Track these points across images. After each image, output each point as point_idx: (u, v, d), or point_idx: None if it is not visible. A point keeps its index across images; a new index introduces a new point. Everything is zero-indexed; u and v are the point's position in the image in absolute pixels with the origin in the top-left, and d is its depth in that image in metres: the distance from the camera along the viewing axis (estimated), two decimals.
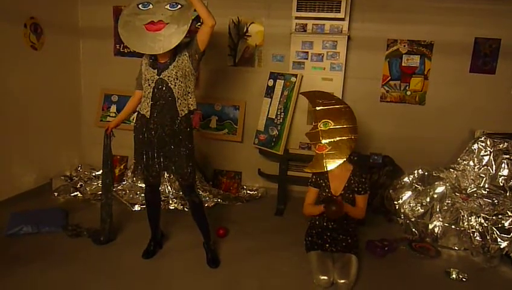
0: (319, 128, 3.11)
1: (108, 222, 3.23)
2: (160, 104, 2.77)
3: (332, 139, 3.05)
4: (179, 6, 2.77)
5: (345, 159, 2.99)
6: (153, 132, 2.83)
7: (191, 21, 2.75)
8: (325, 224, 3.10)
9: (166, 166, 2.90)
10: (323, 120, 3.11)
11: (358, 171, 3.08)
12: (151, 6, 2.78)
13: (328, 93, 3.41)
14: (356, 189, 3.03)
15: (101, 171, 4.50)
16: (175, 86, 2.74)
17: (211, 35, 2.77)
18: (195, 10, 2.72)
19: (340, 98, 4.06)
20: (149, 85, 2.78)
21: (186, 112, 2.82)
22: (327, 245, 3.01)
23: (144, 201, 3.99)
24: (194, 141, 2.96)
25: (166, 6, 2.76)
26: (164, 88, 2.75)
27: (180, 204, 4.01)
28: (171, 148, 2.85)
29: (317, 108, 3.18)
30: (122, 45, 4.73)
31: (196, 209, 3.03)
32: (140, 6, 2.81)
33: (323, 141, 3.06)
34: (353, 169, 3.08)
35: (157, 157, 2.88)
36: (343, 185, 3.04)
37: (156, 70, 2.76)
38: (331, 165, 2.99)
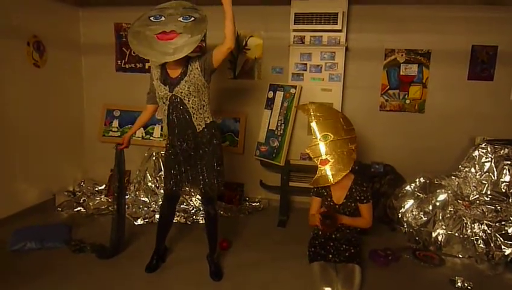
0: (320, 142, 3.11)
1: (117, 236, 3.24)
2: (178, 120, 2.80)
3: (334, 152, 3.06)
4: (193, 18, 2.76)
5: (348, 171, 3.00)
6: (178, 149, 2.86)
7: (204, 32, 2.76)
8: (328, 234, 3.10)
9: (194, 179, 2.92)
10: (323, 133, 3.12)
11: (359, 180, 3.08)
12: (163, 18, 2.77)
13: (323, 104, 3.42)
14: (358, 198, 3.02)
15: (103, 185, 4.59)
16: (189, 101, 2.76)
17: (226, 56, 2.79)
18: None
19: (340, 107, 4.09)
20: (164, 103, 2.81)
21: (204, 125, 2.83)
22: (330, 255, 3.00)
23: (146, 215, 4.01)
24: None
25: (179, 19, 2.74)
26: (179, 104, 2.77)
27: (182, 217, 4.02)
28: (196, 162, 2.87)
29: (315, 122, 3.18)
30: (123, 61, 4.80)
31: (210, 220, 3.06)
32: (152, 18, 2.79)
33: (325, 155, 3.07)
34: (354, 178, 3.09)
35: (185, 172, 2.91)
36: (345, 194, 3.04)
37: (167, 87, 2.77)
38: (336, 178, 3.00)
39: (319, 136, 3.12)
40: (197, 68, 2.76)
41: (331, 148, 3.07)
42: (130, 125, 4.76)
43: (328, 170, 3.03)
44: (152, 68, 2.89)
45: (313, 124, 3.17)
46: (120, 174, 3.15)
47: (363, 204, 3.02)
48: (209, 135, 2.85)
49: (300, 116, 4.06)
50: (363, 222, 3.05)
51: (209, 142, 2.85)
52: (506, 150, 3.63)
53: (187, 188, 3.14)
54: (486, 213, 3.44)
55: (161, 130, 4.67)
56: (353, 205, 3.03)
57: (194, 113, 2.79)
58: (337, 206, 3.04)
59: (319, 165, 3.08)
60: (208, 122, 2.86)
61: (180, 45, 2.63)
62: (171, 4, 2.87)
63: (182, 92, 2.74)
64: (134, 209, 4.13)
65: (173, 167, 2.92)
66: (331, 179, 3.00)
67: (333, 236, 3.09)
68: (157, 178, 4.26)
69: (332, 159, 3.04)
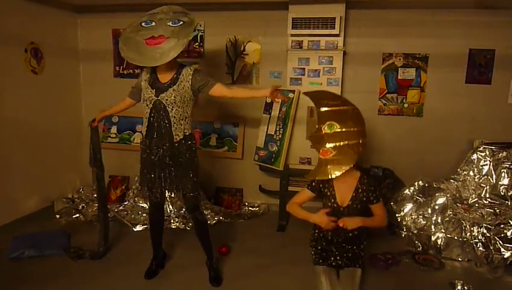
0: (323, 131, 2.78)
1: (104, 228, 3.32)
2: (158, 126, 2.79)
3: (337, 144, 2.72)
4: (181, 22, 2.79)
5: (351, 166, 2.67)
6: (154, 153, 2.85)
7: (191, 35, 2.79)
8: (329, 238, 2.93)
9: (169, 186, 2.91)
10: (328, 122, 2.80)
11: (365, 178, 2.81)
12: (153, 23, 2.81)
13: (334, 93, 3.15)
14: (365, 199, 2.77)
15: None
16: (172, 110, 2.75)
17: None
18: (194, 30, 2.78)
19: None
20: (147, 105, 2.81)
21: (181, 136, 2.82)
22: (332, 258, 2.89)
23: (145, 221, 4.00)
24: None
25: (168, 23, 2.78)
26: (161, 111, 2.76)
27: (181, 223, 4.01)
28: (171, 169, 2.86)
29: (322, 109, 2.88)
30: (121, 67, 4.81)
31: (199, 227, 3.04)
32: (143, 24, 2.84)
33: (328, 145, 2.72)
34: (360, 176, 2.81)
35: (158, 178, 2.89)
36: (351, 195, 2.78)
37: (154, 91, 2.77)
38: (336, 172, 2.65)
39: (323, 124, 2.81)
40: (188, 82, 2.77)
41: (335, 139, 2.73)
42: (129, 131, 4.78)
43: (328, 163, 2.69)
44: (142, 72, 2.93)
45: (319, 111, 2.88)
46: (95, 150, 3.28)
47: (373, 204, 2.79)
48: (186, 146, 2.84)
49: (299, 120, 4.06)
50: (378, 220, 2.81)
51: (184, 153, 2.84)
52: (505, 153, 3.65)
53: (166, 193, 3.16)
54: (485, 216, 3.45)
55: None
56: (359, 207, 2.77)
57: (174, 123, 2.78)
58: (341, 209, 2.79)
59: (320, 156, 2.76)
60: (187, 134, 2.85)
61: (167, 49, 2.65)
62: (162, 9, 2.91)
63: (167, 100, 2.74)
64: (133, 216, 4.12)
65: (148, 171, 2.91)
66: (332, 173, 2.67)
67: (335, 240, 2.90)
68: None
69: (335, 151, 2.70)
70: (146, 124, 2.84)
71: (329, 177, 2.68)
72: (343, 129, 2.75)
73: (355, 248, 2.87)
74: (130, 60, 2.80)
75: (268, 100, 4.20)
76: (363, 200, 2.77)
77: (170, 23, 2.78)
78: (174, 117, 2.77)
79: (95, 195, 3.42)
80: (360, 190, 2.77)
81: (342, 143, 2.71)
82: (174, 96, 2.73)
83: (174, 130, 2.79)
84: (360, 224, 2.70)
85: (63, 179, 4.70)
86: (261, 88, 2.95)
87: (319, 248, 2.98)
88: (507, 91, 4.06)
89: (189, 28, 2.78)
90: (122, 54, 2.80)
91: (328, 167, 2.68)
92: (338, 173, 2.65)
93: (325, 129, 2.78)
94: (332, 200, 2.80)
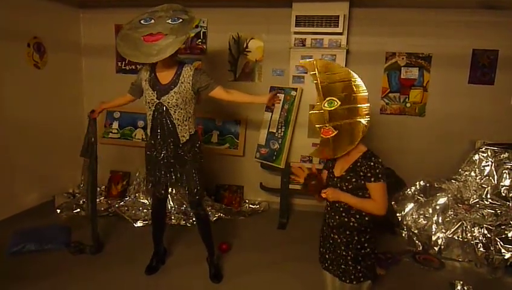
0: (323, 108, 2.49)
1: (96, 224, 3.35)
2: (161, 128, 2.79)
3: (339, 122, 2.43)
4: (180, 20, 2.76)
5: (354, 146, 2.36)
6: (158, 152, 2.85)
7: (189, 32, 2.76)
8: (327, 221, 2.49)
9: (174, 184, 2.93)
10: (328, 98, 2.47)
11: (369, 154, 2.40)
12: (152, 21, 2.79)
13: (333, 63, 2.80)
14: (363, 174, 2.31)
15: (103, 187, 4.55)
16: (175, 112, 2.75)
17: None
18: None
19: None
20: (149, 108, 2.80)
21: (188, 137, 2.82)
22: (329, 262, 2.47)
23: (146, 217, 4.00)
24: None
25: (167, 21, 2.75)
26: (164, 113, 2.76)
27: (182, 219, 4.01)
28: (177, 168, 2.87)
29: (320, 83, 2.54)
30: (123, 63, 4.80)
31: (201, 222, 3.04)
32: (142, 21, 2.81)
33: (329, 124, 2.45)
34: (366, 151, 2.43)
35: (164, 176, 2.90)
36: (347, 167, 2.40)
37: (155, 93, 2.75)
38: (340, 151, 2.37)
39: (323, 101, 2.49)
40: (189, 83, 2.75)
41: (336, 116, 2.44)
42: (130, 127, 4.77)
43: (331, 142, 2.43)
44: (141, 69, 2.91)
45: (317, 85, 2.54)
46: (91, 140, 3.26)
47: (370, 183, 2.29)
48: (190, 144, 2.85)
49: (300, 118, 4.06)
50: (372, 205, 2.30)
51: (189, 151, 2.85)
52: (507, 154, 3.64)
53: (169, 189, 3.18)
54: (486, 217, 3.45)
55: None
56: (353, 180, 2.33)
57: (179, 125, 2.78)
58: (335, 179, 2.43)
59: (321, 135, 2.48)
60: (192, 133, 2.86)
61: (164, 46, 2.61)
62: (162, 8, 2.89)
63: (169, 102, 2.73)
64: (133, 211, 4.12)
65: (153, 168, 2.92)
66: (336, 153, 2.41)
67: (331, 224, 2.45)
68: None
69: (336, 130, 2.42)
70: (150, 125, 2.84)
71: (334, 157, 2.42)
72: (345, 106, 2.44)
73: (348, 256, 2.38)
74: (126, 56, 2.77)
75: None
76: (360, 175, 2.36)
77: (169, 21, 2.74)
78: (178, 119, 2.76)
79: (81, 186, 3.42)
80: (359, 163, 2.38)
81: (343, 121, 2.43)
82: (176, 99, 2.72)
83: (179, 132, 2.78)
84: (342, 197, 2.36)
85: (64, 174, 4.69)
86: (261, 95, 2.96)
87: (321, 243, 2.54)
88: (510, 92, 4.05)
89: (189, 26, 2.76)
90: (119, 50, 2.77)
91: (331, 146, 2.43)
92: (341, 153, 2.39)
93: (325, 106, 2.47)
94: (330, 171, 2.52)
